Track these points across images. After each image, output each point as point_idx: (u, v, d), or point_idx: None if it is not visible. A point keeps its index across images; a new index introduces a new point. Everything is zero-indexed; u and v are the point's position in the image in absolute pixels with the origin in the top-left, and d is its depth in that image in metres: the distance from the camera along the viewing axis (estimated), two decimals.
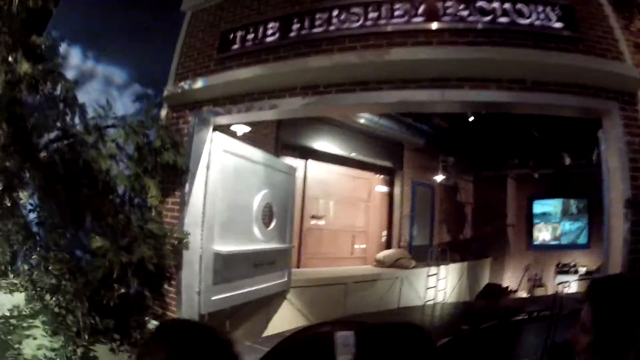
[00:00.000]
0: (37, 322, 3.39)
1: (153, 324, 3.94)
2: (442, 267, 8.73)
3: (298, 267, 7.39)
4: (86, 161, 3.66)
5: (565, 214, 11.46)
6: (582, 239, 11.21)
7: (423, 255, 9.06)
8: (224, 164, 4.56)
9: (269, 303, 5.52)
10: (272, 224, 5.52)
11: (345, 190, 8.47)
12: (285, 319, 5.68)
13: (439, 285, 8.59)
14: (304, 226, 7.59)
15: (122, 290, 3.65)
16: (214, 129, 4.56)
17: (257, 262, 5.06)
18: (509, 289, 10.49)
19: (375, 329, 1.16)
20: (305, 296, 6.00)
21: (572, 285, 10.62)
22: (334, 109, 5.21)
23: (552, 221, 11.48)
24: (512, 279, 11.01)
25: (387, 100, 3.86)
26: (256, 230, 5.10)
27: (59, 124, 3.76)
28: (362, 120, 7.67)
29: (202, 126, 4.48)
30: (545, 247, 11.33)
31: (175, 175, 4.30)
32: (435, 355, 1.11)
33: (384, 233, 9.18)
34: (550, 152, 10.22)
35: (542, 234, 11.47)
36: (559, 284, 10.56)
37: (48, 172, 3.56)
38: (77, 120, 3.87)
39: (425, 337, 1.09)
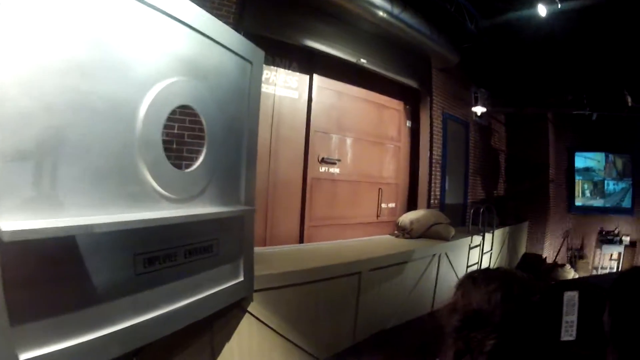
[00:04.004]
0: None
1: None
2: (487, 235, 6.40)
3: (300, 241, 4.76)
4: None
5: (609, 170, 9.40)
6: (627, 203, 9.26)
7: (455, 217, 6.66)
8: None
9: (209, 325, 2.70)
10: (200, 160, 2.36)
11: (369, 123, 5.70)
12: (251, 346, 3.04)
13: (483, 261, 6.32)
14: (308, 175, 4.89)
15: None
16: None
17: (153, 253, 2.05)
18: (546, 261, 8.46)
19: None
20: (288, 300, 3.26)
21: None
22: None
23: (595, 179, 9.39)
24: (550, 248, 8.99)
25: None
26: (146, 174, 1.96)
27: None
28: (380, 13, 4.70)
29: None
30: (587, 210, 9.29)
31: None
32: None
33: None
34: (611, 89, 7.90)
35: (585, 193, 9.39)
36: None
37: None
38: None
39: None
